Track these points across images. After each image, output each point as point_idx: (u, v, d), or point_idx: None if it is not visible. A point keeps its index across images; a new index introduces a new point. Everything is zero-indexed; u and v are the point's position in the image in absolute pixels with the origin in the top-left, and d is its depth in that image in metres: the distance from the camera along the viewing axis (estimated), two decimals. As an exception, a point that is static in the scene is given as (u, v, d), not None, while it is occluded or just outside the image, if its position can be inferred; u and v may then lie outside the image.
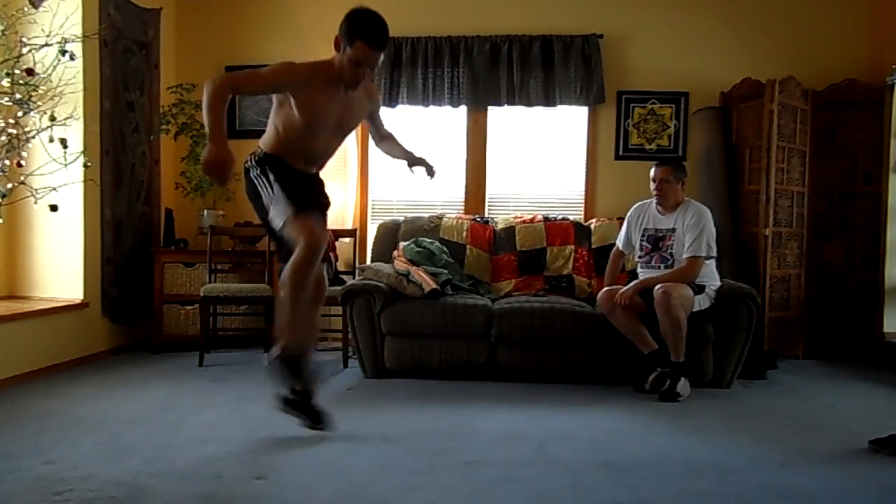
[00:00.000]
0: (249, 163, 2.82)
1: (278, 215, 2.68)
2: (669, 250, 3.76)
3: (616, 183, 4.90)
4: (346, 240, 4.81)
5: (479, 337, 3.85)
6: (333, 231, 4.64)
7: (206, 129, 2.58)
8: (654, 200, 3.87)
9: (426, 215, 4.74)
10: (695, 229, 3.68)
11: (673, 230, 3.77)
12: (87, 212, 4.18)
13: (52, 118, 3.65)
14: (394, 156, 3.21)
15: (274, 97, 2.75)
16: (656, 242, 3.82)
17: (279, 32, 5.08)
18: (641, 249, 3.88)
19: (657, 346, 3.60)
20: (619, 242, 4.06)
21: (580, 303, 4.05)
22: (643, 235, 3.88)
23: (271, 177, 2.72)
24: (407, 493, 2.28)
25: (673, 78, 4.87)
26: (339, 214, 4.79)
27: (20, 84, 3.54)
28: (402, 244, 4.40)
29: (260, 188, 2.75)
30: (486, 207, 5.05)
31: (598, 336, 3.78)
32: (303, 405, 2.80)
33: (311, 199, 2.80)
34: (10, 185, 3.63)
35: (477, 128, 5.04)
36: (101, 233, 4.34)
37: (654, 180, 3.81)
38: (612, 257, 4.09)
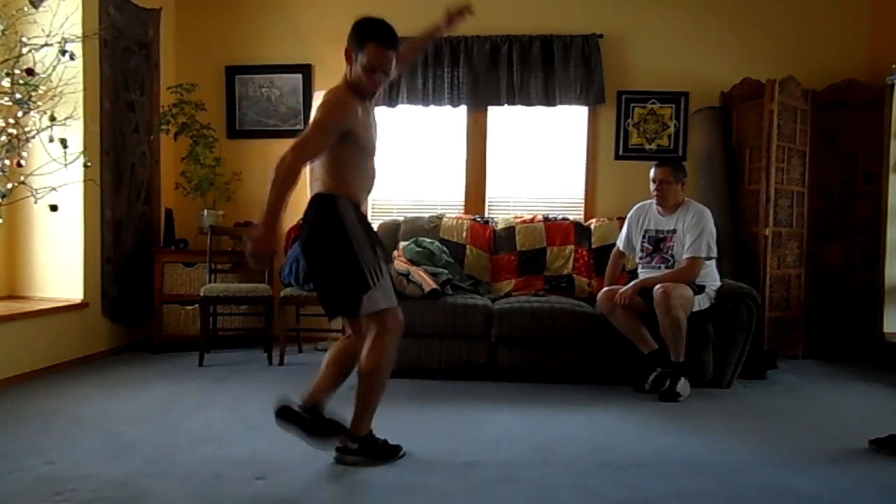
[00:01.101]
0: (335, 211, 2.45)
1: (381, 299, 2.46)
2: (670, 251, 3.76)
3: (616, 183, 4.90)
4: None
5: (479, 337, 3.85)
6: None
7: (265, 206, 2.28)
8: (654, 201, 3.87)
9: (426, 215, 4.73)
10: (695, 230, 3.68)
11: (674, 231, 3.77)
12: (87, 212, 4.18)
13: (52, 118, 3.65)
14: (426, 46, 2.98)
15: (331, 151, 2.47)
16: (657, 243, 3.82)
17: (279, 32, 5.08)
18: (643, 250, 3.88)
19: (657, 346, 3.60)
20: (620, 243, 4.06)
21: (580, 303, 4.05)
22: (644, 236, 3.88)
23: (342, 230, 2.44)
24: (407, 493, 2.28)
25: (673, 78, 4.87)
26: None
27: (20, 84, 3.54)
28: (402, 244, 4.40)
29: (329, 237, 2.45)
30: (487, 207, 5.05)
31: (598, 336, 3.78)
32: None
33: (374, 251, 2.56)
34: (10, 185, 3.63)
35: (477, 128, 5.04)
36: (101, 233, 4.34)
37: (653, 181, 3.81)
38: (612, 258, 4.09)
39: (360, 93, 2.52)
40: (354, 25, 2.51)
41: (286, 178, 2.29)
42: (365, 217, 2.60)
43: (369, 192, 2.73)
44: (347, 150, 2.49)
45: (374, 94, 2.60)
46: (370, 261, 2.46)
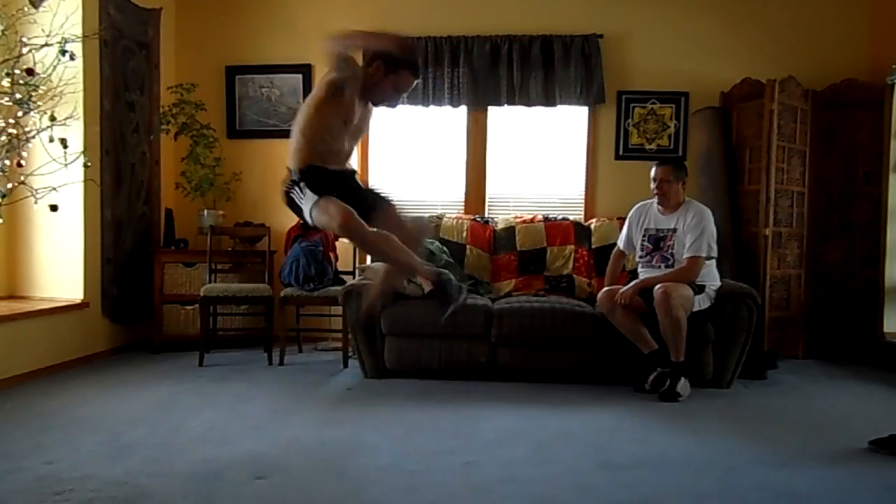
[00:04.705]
0: (289, 187, 2.82)
1: (306, 206, 2.74)
2: (670, 250, 3.76)
3: (616, 183, 4.90)
4: (347, 240, 4.81)
5: (479, 337, 3.85)
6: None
7: (371, 42, 2.76)
8: (655, 200, 3.86)
9: (426, 215, 4.73)
10: (696, 229, 3.68)
11: (674, 230, 3.77)
12: (87, 212, 4.18)
13: (52, 118, 3.65)
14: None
15: (315, 98, 2.83)
16: (657, 242, 3.82)
17: (279, 32, 5.08)
18: (643, 249, 3.88)
19: (657, 345, 3.60)
20: (620, 243, 4.06)
21: (580, 303, 4.05)
22: (644, 235, 3.88)
23: (303, 184, 2.77)
24: (407, 493, 2.28)
25: (673, 78, 4.87)
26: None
27: (20, 84, 3.54)
28: (402, 244, 4.39)
29: (298, 200, 2.78)
30: (487, 207, 5.05)
31: (598, 336, 3.78)
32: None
33: (339, 187, 2.83)
34: (10, 185, 3.62)
35: (477, 128, 5.04)
36: (101, 233, 4.34)
37: (654, 180, 3.81)
38: (612, 258, 4.09)
39: (364, 91, 2.87)
40: None
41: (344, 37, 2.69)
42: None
43: (341, 160, 2.93)
44: (332, 114, 2.80)
45: (383, 104, 3.00)
46: (299, 196, 2.76)
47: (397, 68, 2.83)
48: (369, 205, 2.84)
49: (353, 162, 4.89)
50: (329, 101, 2.81)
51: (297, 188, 2.77)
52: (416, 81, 2.96)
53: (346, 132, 2.89)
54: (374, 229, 2.72)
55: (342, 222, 2.66)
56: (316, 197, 2.70)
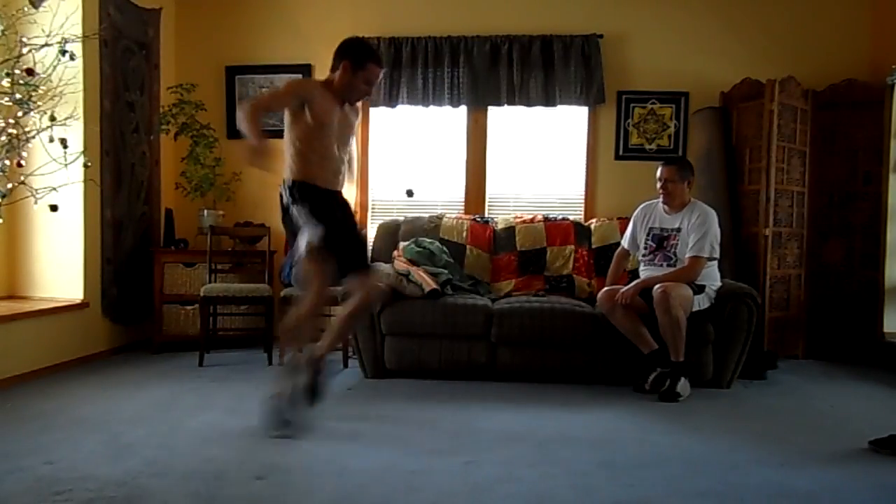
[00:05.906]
0: (284, 196, 3.02)
1: (310, 233, 2.90)
2: (673, 249, 3.76)
3: (616, 183, 4.90)
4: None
5: (479, 337, 3.85)
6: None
7: (247, 136, 2.82)
8: (660, 200, 3.87)
9: (426, 215, 4.73)
10: (699, 230, 3.68)
11: (678, 230, 3.77)
12: (87, 212, 4.18)
13: (52, 118, 3.65)
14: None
15: (287, 117, 3.00)
16: (661, 242, 3.82)
17: (279, 32, 5.08)
18: (646, 248, 3.88)
19: (657, 345, 3.60)
20: (625, 242, 4.06)
21: (580, 303, 4.05)
22: (648, 234, 3.88)
23: (304, 204, 2.95)
24: (407, 493, 2.28)
25: (673, 78, 4.87)
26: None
27: (20, 84, 3.54)
28: (402, 244, 4.40)
29: (296, 215, 2.96)
30: (487, 207, 5.05)
31: (598, 336, 3.78)
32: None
33: (341, 222, 3.02)
34: (10, 185, 3.62)
35: (477, 128, 5.04)
36: (101, 233, 4.34)
37: (659, 180, 3.82)
38: (616, 257, 4.09)
39: (338, 93, 3.02)
40: (351, 45, 3.05)
41: (251, 118, 2.79)
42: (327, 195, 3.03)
43: (336, 174, 3.09)
44: (306, 126, 2.94)
45: (359, 100, 3.15)
46: (299, 212, 2.96)
47: (363, 63, 2.99)
48: (355, 258, 3.02)
49: (354, 162, 4.98)
50: (293, 126, 2.99)
51: (296, 207, 2.94)
52: (382, 71, 3.11)
53: (328, 136, 3.01)
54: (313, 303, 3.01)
55: (315, 300, 2.99)
56: (314, 242, 2.87)
